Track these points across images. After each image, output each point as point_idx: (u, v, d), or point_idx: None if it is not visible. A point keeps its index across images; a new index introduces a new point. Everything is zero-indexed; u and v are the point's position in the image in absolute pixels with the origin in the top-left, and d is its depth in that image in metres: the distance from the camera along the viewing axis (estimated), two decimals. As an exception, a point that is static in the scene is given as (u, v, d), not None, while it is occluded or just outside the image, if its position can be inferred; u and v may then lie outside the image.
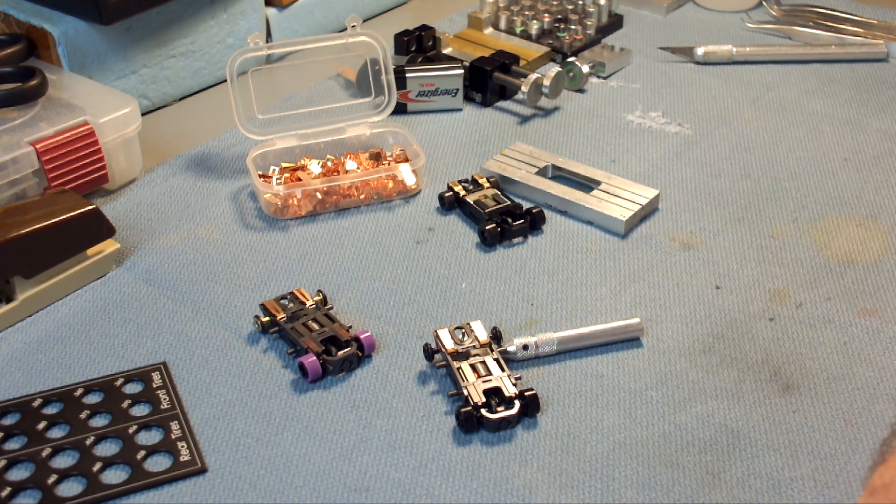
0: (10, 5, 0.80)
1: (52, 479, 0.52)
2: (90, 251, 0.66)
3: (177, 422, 0.55)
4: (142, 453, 0.54)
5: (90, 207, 0.64)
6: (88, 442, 0.54)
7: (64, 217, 0.63)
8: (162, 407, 0.56)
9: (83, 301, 0.65)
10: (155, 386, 0.58)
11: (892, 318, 0.62)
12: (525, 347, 0.59)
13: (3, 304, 0.62)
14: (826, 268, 0.67)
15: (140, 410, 0.56)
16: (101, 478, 0.53)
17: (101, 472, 0.53)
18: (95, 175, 0.72)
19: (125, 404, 0.57)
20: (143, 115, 0.76)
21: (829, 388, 0.57)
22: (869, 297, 0.64)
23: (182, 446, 0.54)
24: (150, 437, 0.55)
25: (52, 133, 0.69)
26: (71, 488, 0.52)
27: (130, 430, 0.55)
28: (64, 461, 0.54)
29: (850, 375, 0.58)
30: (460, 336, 0.59)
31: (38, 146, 0.68)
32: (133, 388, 0.58)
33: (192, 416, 0.56)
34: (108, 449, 0.54)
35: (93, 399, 0.57)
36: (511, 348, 0.59)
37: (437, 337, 0.59)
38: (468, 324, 0.60)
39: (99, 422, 0.56)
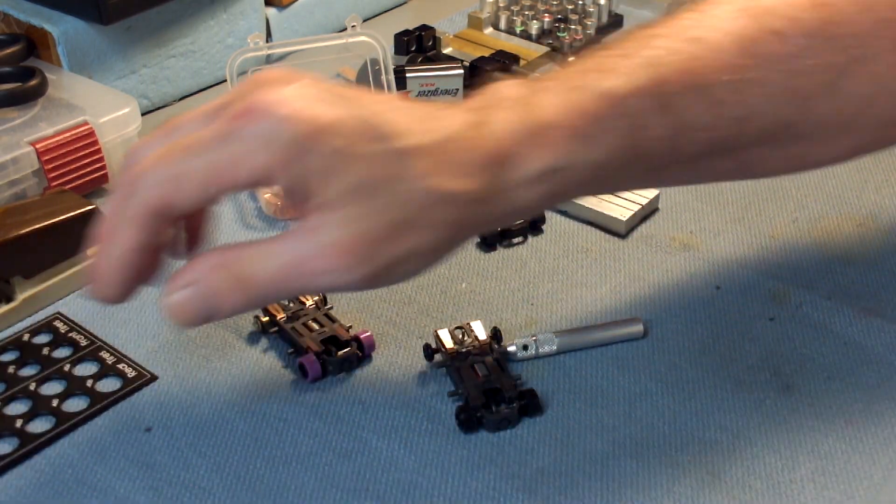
0: (10, 5, 0.80)
1: (18, 423, 0.55)
2: (90, 251, 0.66)
3: (105, 352, 0.59)
4: (90, 382, 0.57)
5: (90, 207, 0.64)
6: (32, 388, 0.57)
7: (64, 217, 0.63)
8: (82, 345, 0.59)
9: (83, 301, 0.64)
10: (64, 332, 0.61)
11: (893, 317, 0.62)
12: (525, 347, 0.59)
13: (3, 304, 0.62)
14: (826, 268, 0.67)
15: (63, 353, 0.59)
16: (64, 408, 0.55)
17: (60, 405, 0.56)
18: (95, 175, 0.72)
19: (45, 352, 0.59)
20: (143, 115, 0.76)
21: (829, 388, 0.57)
22: (869, 296, 0.64)
23: (123, 367, 0.57)
24: (87, 370, 0.58)
25: (52, 133, 0.69)
26: (41, 425, 0.55)
27: (66, 368, 0.58)
28: (19, 408, 0.56)
29: (850, 375, 0.58)
30: (460, 336, 0.59)
31: (37, 146, 0.68)
32: (44, 339, 0.61)
33: (191, 415, 0.56)
34: (54, 388, 0.57)
35: (10, 357, 0.59)
36: (511, 348, 0.59)
37: (437, 336, 0.59)
38: (468, 323, 0.60)
39: (30, 371, 0.58)
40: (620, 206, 0.71)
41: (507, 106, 0.48)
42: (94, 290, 0.49)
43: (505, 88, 0.49)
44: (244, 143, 0.44)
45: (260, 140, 0.44)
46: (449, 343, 0.59)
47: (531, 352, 0.59)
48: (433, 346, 0.59)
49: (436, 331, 0.59)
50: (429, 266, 0.49)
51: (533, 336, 0.60)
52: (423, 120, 0.47)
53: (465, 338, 0.59)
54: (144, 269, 0.49)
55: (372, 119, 0.46)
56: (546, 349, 0.59)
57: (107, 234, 0.48)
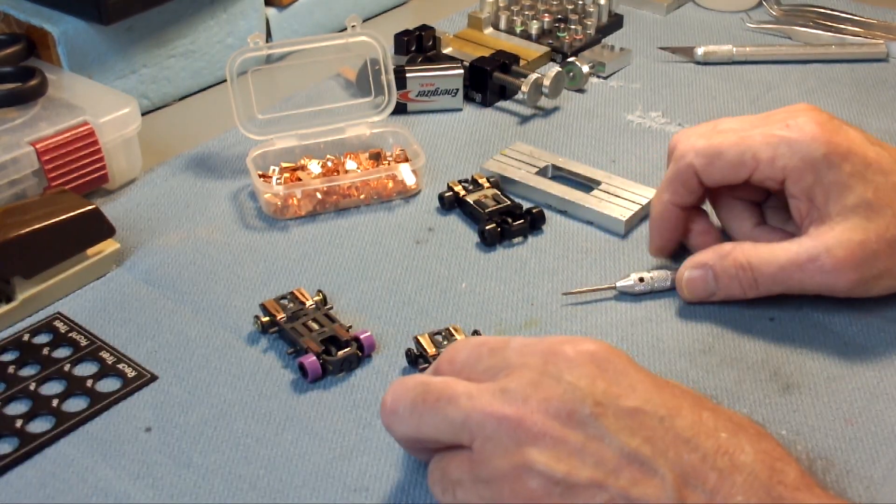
0: (10, 5, 0.80)
1: (18, 423, 0.55)
2: (90, 251, 0.66)
3: (105, 352, 0.59)
4: (90, 382, 0.57)
5: (90, 207, 0.64)
6: (32, 388, 0.57)
7: (64, 217, 0.63)
8: (82, 345, 0.60)
9: (83, 301, 0.65)
10: (64, 332, 0.61)
11: (893, 317, 0.62)
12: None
13: (3, 304, 0.62)
14: (826, 268, 0.67)
15: (63, 353, 0.59)
16: (64, 408, 0.56)
17: (60, 405, 0.56)
18: (95, 175, 0.72)
19: (45, 352, 0.59)
20: (143, 115, 0.76)
21: (829, 387, 0.57)
22: (869, 297, 0.64)
23: (123, 367, 0.58)
24: (87, 370, 0.58)
25: (52, 133, 0.69)
26: (41, 425, 0.55)
27: (66, 368, 0.58)
28: (19, 408, 0.56)
29: (851, 375, 0.58)
30: (440, 340, 0.59)
31: (38, 146, 0.68)
32: (44, 339, 0.61)
33: (191, 415, 0.56)
34: (54, 388, 0.57)
35: (10, 357, 0.59)
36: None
37: (419, 342, 0.59)
38: (448, 329, 0.59)
39: (30, 371, 0.58)
40: (620, 206, 0.71)
41: None
42: None
43: None
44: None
45: (796, 148, 0.56)
46: (431, 348, 0.58)
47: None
48: (415, 351, 0.59)
49: (416, 336, 0.59)
50: None
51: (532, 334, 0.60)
52: None
53: (446, 342, 0.59)
54: None
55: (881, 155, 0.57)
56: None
57: None
